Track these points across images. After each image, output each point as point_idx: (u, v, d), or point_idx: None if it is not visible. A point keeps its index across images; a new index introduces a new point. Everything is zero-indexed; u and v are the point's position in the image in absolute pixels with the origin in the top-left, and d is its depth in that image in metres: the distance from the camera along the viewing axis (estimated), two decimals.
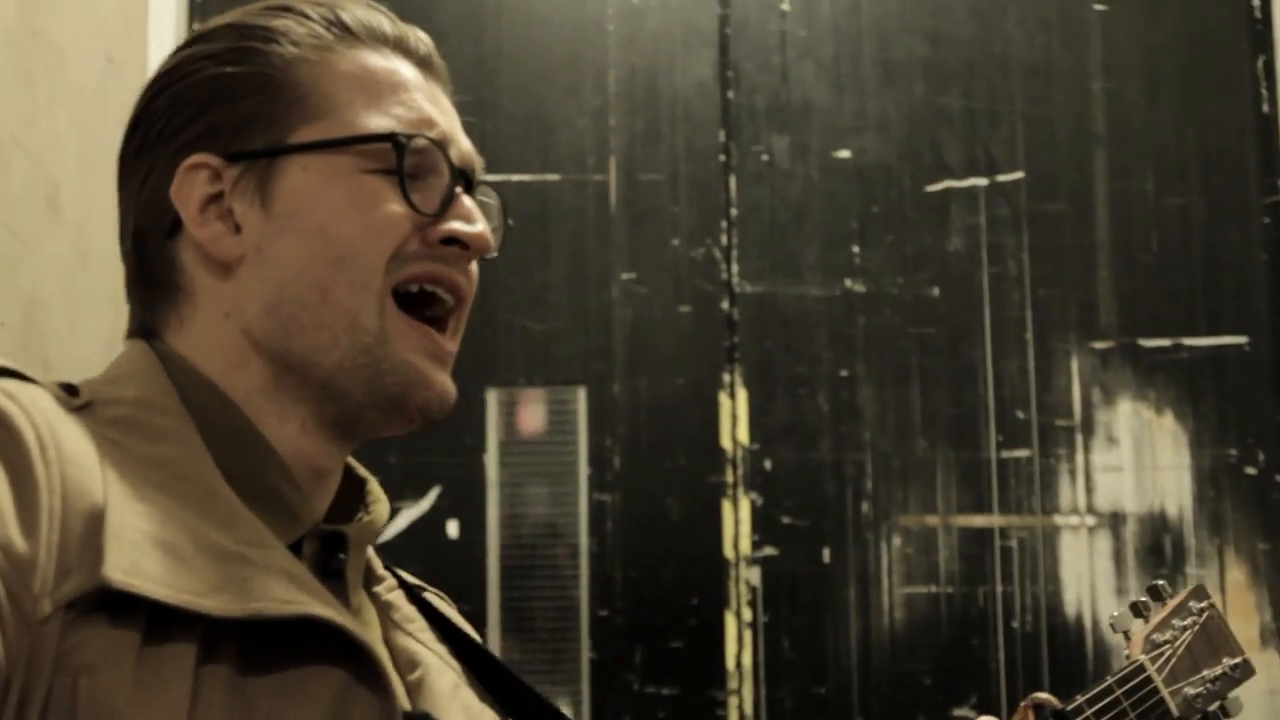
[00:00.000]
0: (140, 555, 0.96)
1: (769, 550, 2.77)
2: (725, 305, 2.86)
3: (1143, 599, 1.83)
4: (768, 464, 2.79)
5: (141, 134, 1.17)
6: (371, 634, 1.16)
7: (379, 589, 1.24)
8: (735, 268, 2.85)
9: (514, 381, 2.83)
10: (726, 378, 2.84)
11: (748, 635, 2.73)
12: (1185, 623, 1.81)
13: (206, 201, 1.13)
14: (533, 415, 2.86)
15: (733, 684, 2.73)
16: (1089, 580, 2.79)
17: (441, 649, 1.24)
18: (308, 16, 1.18)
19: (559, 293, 2.85)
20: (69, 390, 1.07)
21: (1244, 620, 2.73)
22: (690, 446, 2.82)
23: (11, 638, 0.91)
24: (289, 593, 1.00)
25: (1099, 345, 2.86)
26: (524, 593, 2.79)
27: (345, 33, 1.18)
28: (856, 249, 2.88)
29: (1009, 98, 2.95)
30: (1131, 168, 2.93)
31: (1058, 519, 2.80)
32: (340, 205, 1.12)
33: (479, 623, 2.71)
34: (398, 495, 2.75)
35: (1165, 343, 2.86)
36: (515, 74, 2.92)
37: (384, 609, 1.22)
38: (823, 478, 2.80)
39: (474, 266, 1.19)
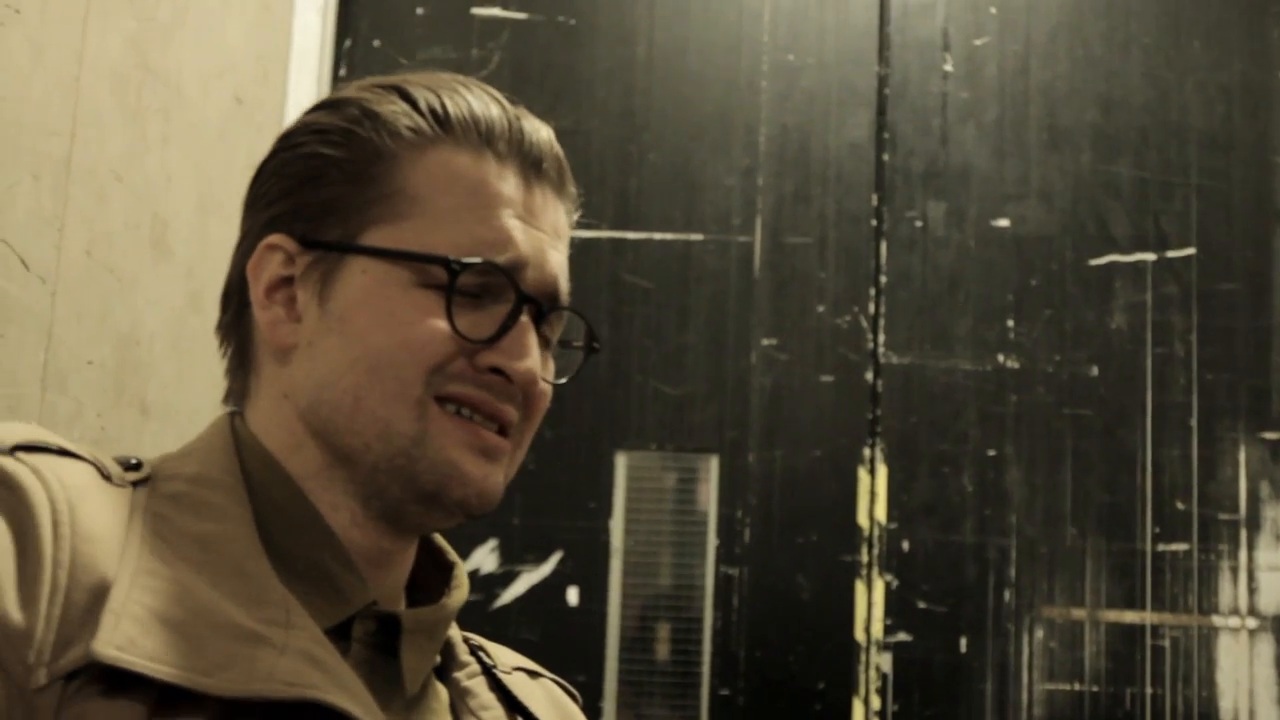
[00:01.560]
0: (140, 631, 0.97)
1: (903, 636, 2.65)
2: (870, 376, 2.75)
3: None
4: (905, 544, 2.68)
5: (251, 191, 1.19)
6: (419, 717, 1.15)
7: (459, 674, 1.22)
8: (882, 337, 2.75)
9: (645, 446, 2.76)
10: (867, 452, 2.73)
11: None
12: None
13: (277, 284, 1.14)
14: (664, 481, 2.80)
15: None
16: (1248, 687, 2.62)
17: None
18: (416, 106, 1.16)
19: (696, 356, 2.77)
20: (130, 466, 1.09)
21: None
22: (825, 522, 2.72)
23: (2, 708, 0.93)
24: (298, 674, 1.00)
25: (1269, 436, 2.70)
26: (644, 666, 2.71)
27: (446, 129, 1.15)
28: (1011, 323, 2.75)
29: (1183, 169, 2.80)
30: None
31: (1216, 619, 2.64)
32: (383, 316, 1.11)
33: (594, 694, 2.64)
34: (519, 559, 2.70)
35: None
36: (664, 128, 2.86)
37: (460, 695, 1.21)
38: (964, 562, 2.68)
39: (544, 388, 1.16)
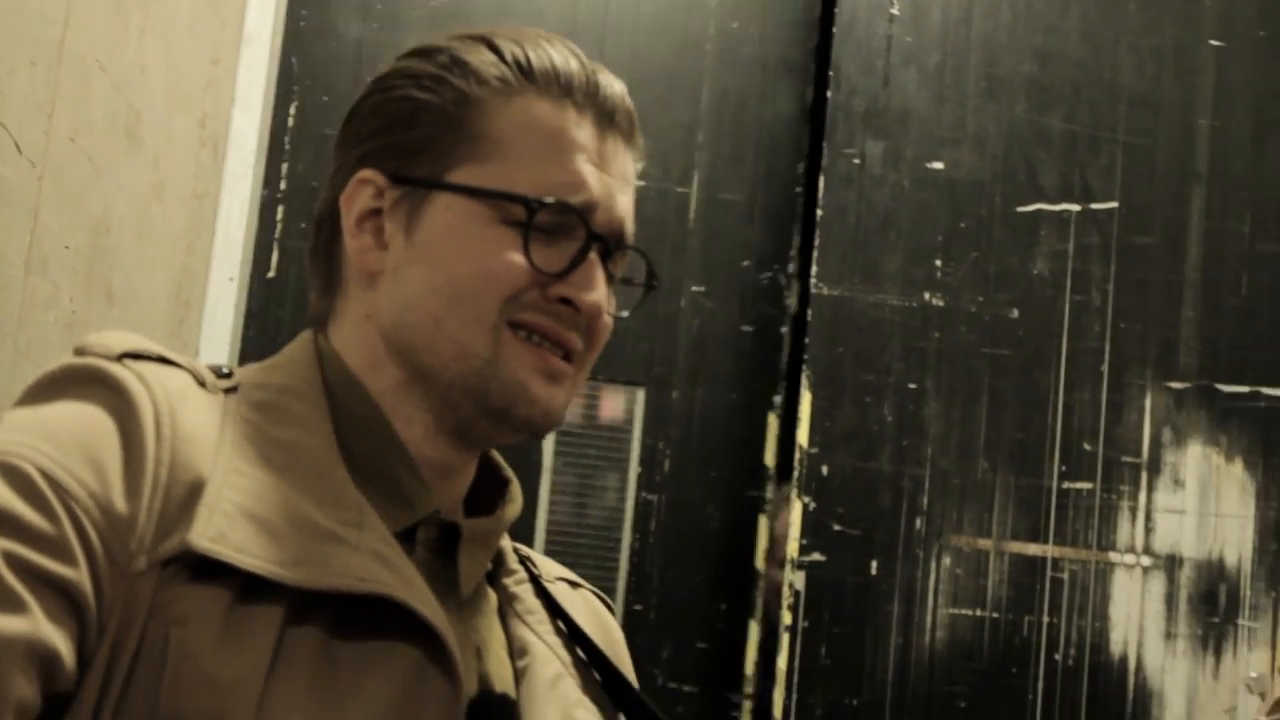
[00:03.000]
0: (229, 525, 1.07)
1: (817, 556, 2.76)
2: (785, 329, 2.85)
3: None
4: (825, 469, 2.78)
5: (344, 129, 1.28)
6: (474, 621, 1.23)
7: (508, 580, 1.31)
8: (814, 269, 2.83)
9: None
10: (779, 399, 2.84)
11: (785, 638, 2.73)
12: None
13: (366, 215, 1.24)
14: (612, 407, 2.88)
15: (752, 686, 2.73)
16: (1138, 621, 2.75)
17: (555, 641, 1.31)
18: (501, 55, 1.24)
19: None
20: (222, 374, 1.19)
21: None
22: (735, 459, 2.82)
23: (107, 589, 1.02)
24: (370, 571, 1.09)
25: (1175, 385, 2.82)
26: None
27: (529, 79, 1.24)
28: (939, 262, 2.85)
29: (1112, 125, 2.90)
30: (1229, 209, 2.88)
31: (1113, 556, 2.77)
32: (465, 248, 1.20)
33: None
34: None
35: (1243, 389, 2.82)
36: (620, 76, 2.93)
37: (508, 599, 1.30)
38: (879, 489, 2.79)
39: (607, 320, 1.24)
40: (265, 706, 1.02)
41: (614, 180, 1.24)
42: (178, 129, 2.29)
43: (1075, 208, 2.87)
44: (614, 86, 1.26)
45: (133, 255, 2.14)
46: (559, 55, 1.25)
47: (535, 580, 1.35)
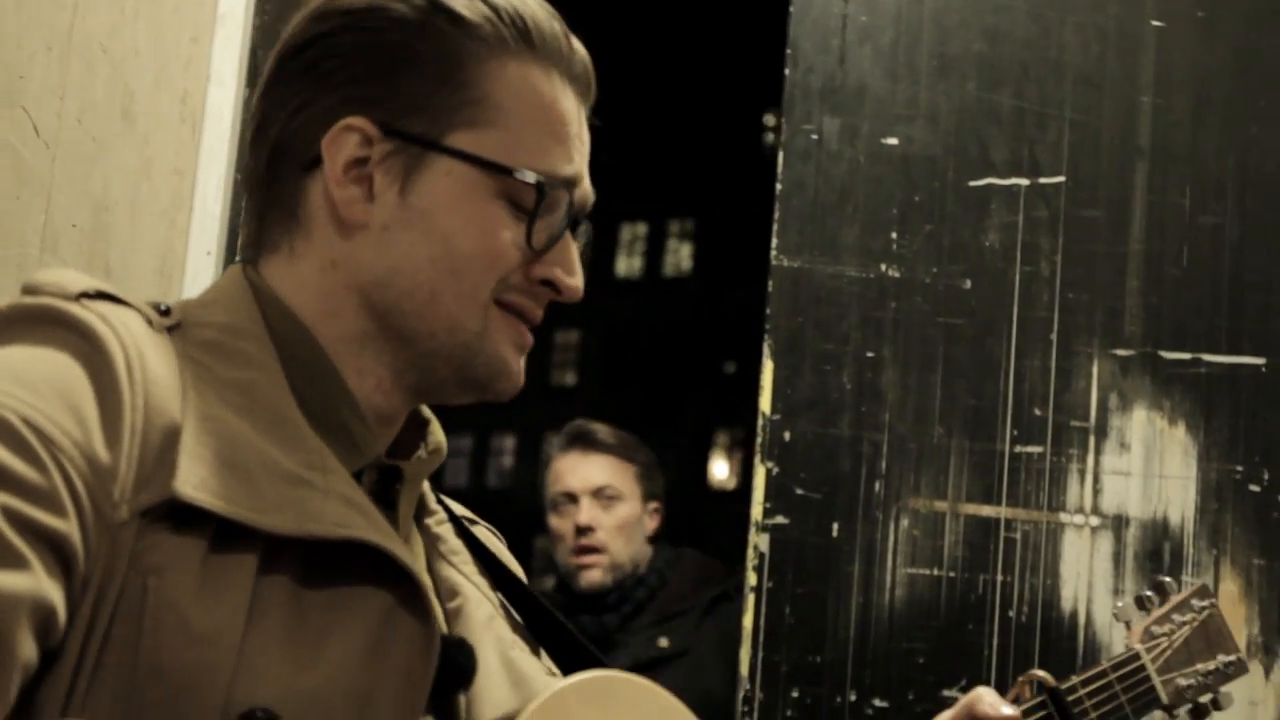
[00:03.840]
0: (209, 472, 1.04)
1: (780, 519, 2.84)
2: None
3: (1148, 593, 1.92)
4: (787, 435, 2.87)
5: (311, 59, 1.22)
6: (418, 562, 1.23)
7: (429, 521, 1.32)
8: (775, 241, 2.92)
9: None
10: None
11: (750, 599, 2.81)
12: (1185, 618, 1.90)
13: (352, 163, 1.20)
14: None
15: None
16: (1087, 578, 2.86)
17: (482, 581, 1.31)
18: (497, 11, 1.22)
19: None
20: (161, 311, 1.14)
21: (1233, 632, 2.80)
22: None
23: (92, 540, 0.99)
24: (343, 516, 1.08)
25: (1120, 352, 2.93)
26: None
27: (527, 42, 1.23)
28: (895, 235, 2.94)
29: (1058, 103, 3.00)
30: (1170, 182, 2.99)
31: (1063, 516, 2.88)
32: (467, 223, 1.20)
33: None
34: None
35: (1185, 356, 2.93)
36: None
37: (432, 540, 1.30)
38: (839, 453, 2.88)
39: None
40: (244, 655, 1.01)
41: (586, 152, 1.26)
42: (164, 107, 2.34)
43: (1024, 182, 2.97)
44: (585, 53, 1.27)
45: (127, 232, 2.19)
46: (546, 19, 1.24)
47: (455, 520, 1.35)
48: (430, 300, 1.19)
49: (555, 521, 3.58)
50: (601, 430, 3.63)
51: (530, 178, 1.20)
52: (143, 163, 2.26)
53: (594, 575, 3.47)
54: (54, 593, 0.96)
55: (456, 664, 1.16)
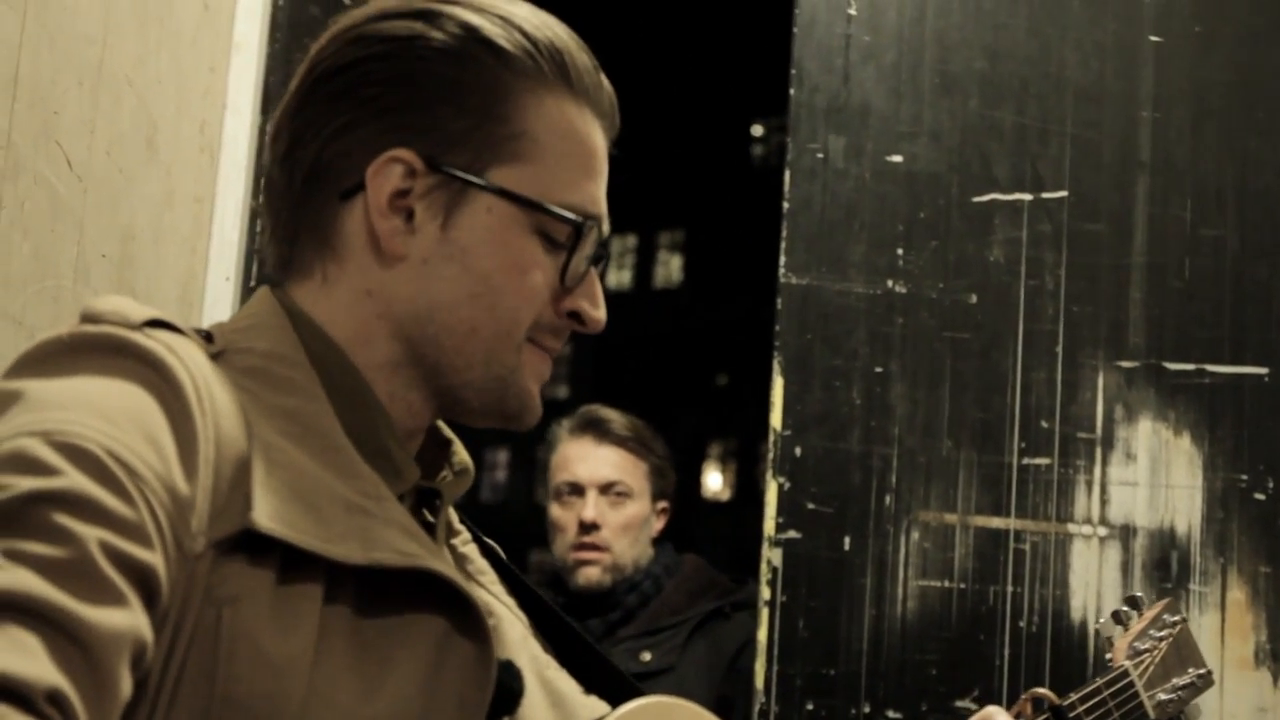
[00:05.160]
0: (280, 502, 1.05)
1: (792, 533, 2.88)
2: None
3: (1124, 609, 1.99)
4: (798, 450, 2.90)
5: (349, 83, 1.21)
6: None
7: (455, 541, 1.33)
8: (783, 259, 2.95)
9: None
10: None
11: (764, 613, 2.84)
12: (1161, 634, 1.97)
13: (395, 195, 1.20)
14: None
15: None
16: (1096, 588, 2.90)
17: (510, 601, 1.33)
18: (536, 45, 1.22)
19: None
20: (205, 337, 1.15)
21: (1240, 639, 2.84)
22: None
23: (174, 572, 1.00)
24: (405, 545, 1.10)
25: (1125, 364, 2.96)
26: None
27: (563, 76, 1.24)
28: (901, 251, 2.98)
29: (1060, 118, 3.04)
30: (1171, 196, 3.02)
31: (1071, 527, 2.91)
32: (507, 260, 1.21)
33: None
34: None
35: (1189, 367, 2.96)
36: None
37: (460, 560, 1.31)
38: (850, 468, 2.91)
39: None
40: (313, 685, 1.02)
41: (605, 184, 1.28)
42: (184, 137, 2.37)
43: (1027, 197, 3.01)
44: (610, 87, 1.29)
45: (152, 260, 2.22)
46: (579, 54, 1.25)
47: (479, 540, 1.36)
48: (469, 336, 1.21)
49: (557, 511, 3.39)
50: (616, 420, 3.47)
51: (569, 216, 1.22)
52: (165, 192, 2.30)
53: (593, 573, 3.31)
54: (146, 628, 0.97)
55: (507, 686, 1.18)
